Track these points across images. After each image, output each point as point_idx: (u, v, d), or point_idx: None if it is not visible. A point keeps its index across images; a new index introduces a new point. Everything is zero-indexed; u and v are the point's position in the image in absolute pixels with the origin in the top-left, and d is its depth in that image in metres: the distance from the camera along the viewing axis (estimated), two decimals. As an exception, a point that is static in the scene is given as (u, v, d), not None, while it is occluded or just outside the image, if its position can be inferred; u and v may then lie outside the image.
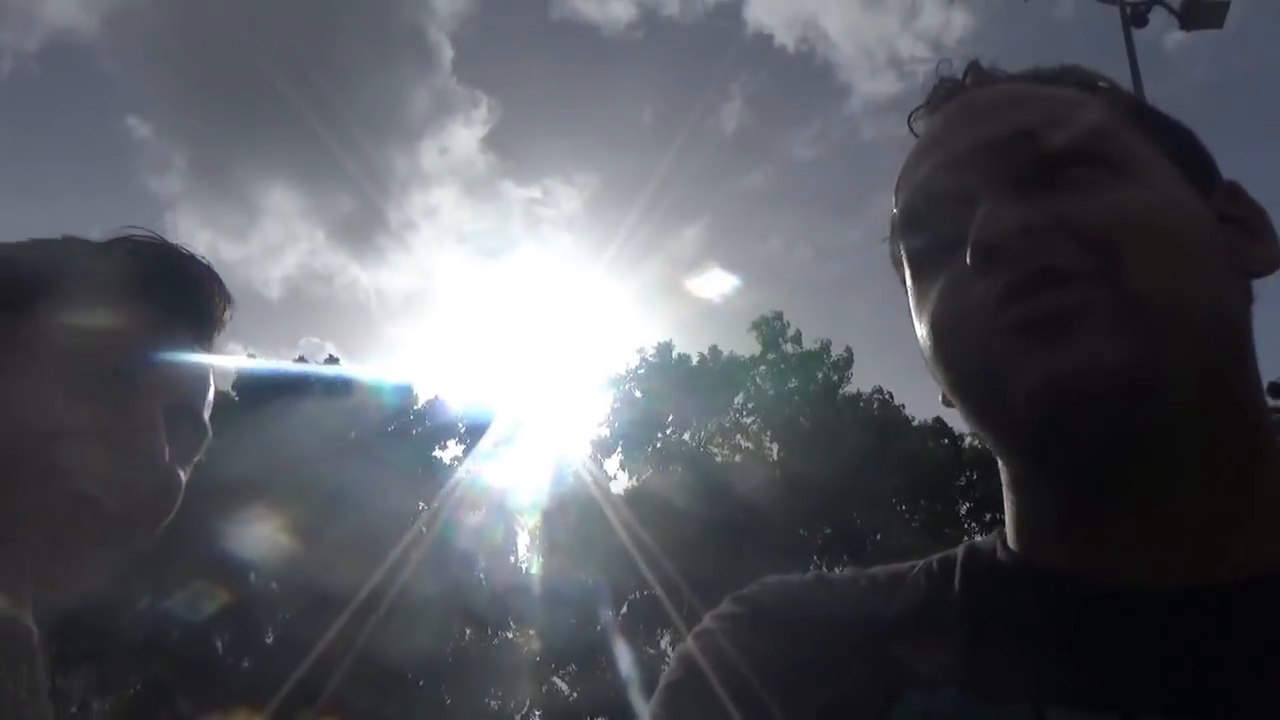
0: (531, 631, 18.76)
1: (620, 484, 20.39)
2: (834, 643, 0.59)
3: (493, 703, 18.94)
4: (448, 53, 36.20)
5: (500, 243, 34.91)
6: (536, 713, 19.33)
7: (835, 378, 20.89)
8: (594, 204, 36.55)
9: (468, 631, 18.62)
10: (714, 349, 21.62)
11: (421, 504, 18.08)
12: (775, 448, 20.35)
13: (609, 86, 43.08)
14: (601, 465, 20.69)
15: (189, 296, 0.82)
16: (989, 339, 0.56)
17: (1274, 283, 0.63)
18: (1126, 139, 0.61)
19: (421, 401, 21.09)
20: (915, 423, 20.28)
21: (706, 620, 0.65)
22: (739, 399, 21.12)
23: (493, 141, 39.76)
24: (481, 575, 18.74)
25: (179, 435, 0.77)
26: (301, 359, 22.28)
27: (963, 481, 19.34)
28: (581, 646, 17.36)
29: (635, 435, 20.52)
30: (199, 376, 0.81)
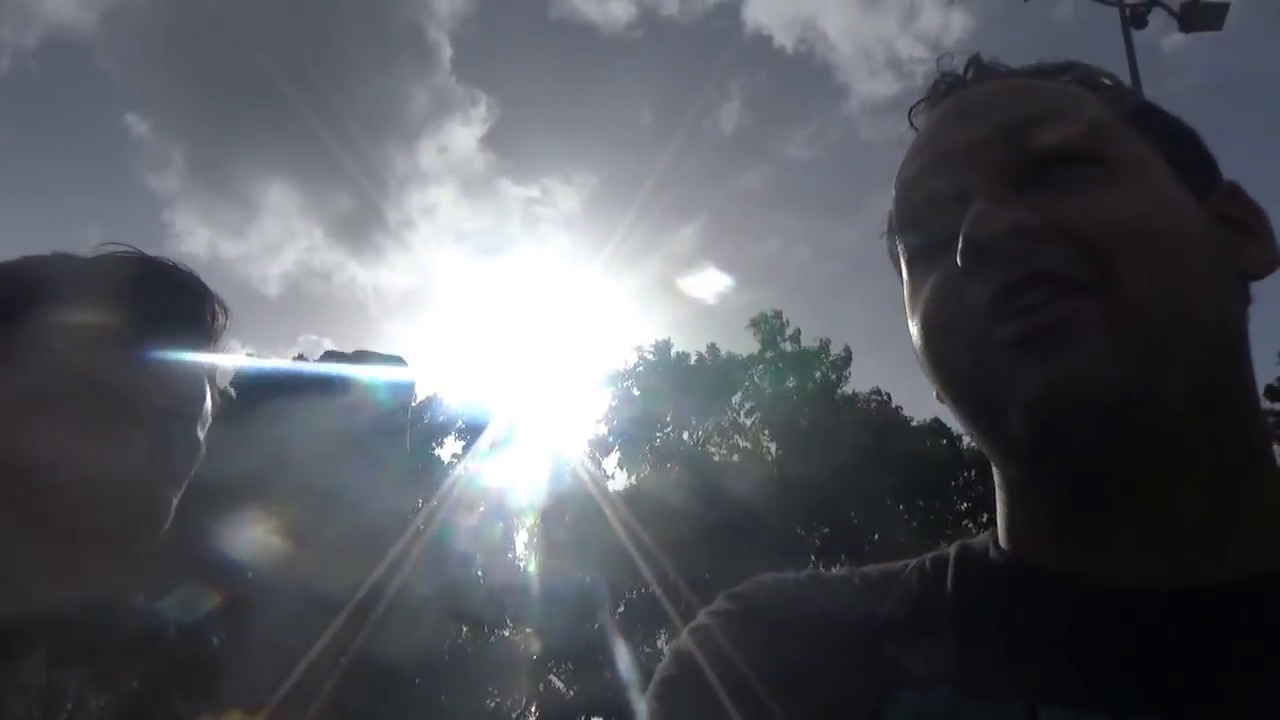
0: (529, 630, 18.74)
1: (618, 483, 20.41)
2: (827, 641, 0.59)
3: (490, 701, 18.93)
4: (447, 51, 36.27)
5: (498, 241, 34.93)
6: (533, 711, 19.33)
7: (833, 377, 20.90)
8: (592, 203, 36.60)
9: (465, 630, 18.61)
10: (712, 347, 21.64)
11: (419, 502, 18.07)
12: (773, 447, 20.35)
13: (608, 86, 43.12)
14: (599, 464, 20.70)
15: (175, 307, 0.81)
16: (981, 344, 0.56)
17: (1273, 283, 0.63)
18: (1124, 138, 0.60)
19: (419, 399, 21.09)
20: (914, 422, 20.29)
21: (701, 616, 0.65)
22: (737, 398, 21.13)
23: (491, 140, 39.79)
24: (479, 573, 18.73)
25: (170, 447, 0.76)
26: (301, 356, 22.26)
27: (961, 481, 19.35)
28: (579, 645, 17.36)
29: (633, 434, 20.51)
30: (189, 389, 0.80)
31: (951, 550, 0.65)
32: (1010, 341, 0.54)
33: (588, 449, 20.82)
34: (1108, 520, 0.56)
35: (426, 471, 19.48)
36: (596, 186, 38.46)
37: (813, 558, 18.87)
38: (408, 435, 19.97)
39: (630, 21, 38.20)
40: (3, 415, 0.69)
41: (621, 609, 18.09)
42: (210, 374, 0.82)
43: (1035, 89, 0.64)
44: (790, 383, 20.69)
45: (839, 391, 20.79)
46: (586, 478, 19.41)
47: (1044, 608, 0.57)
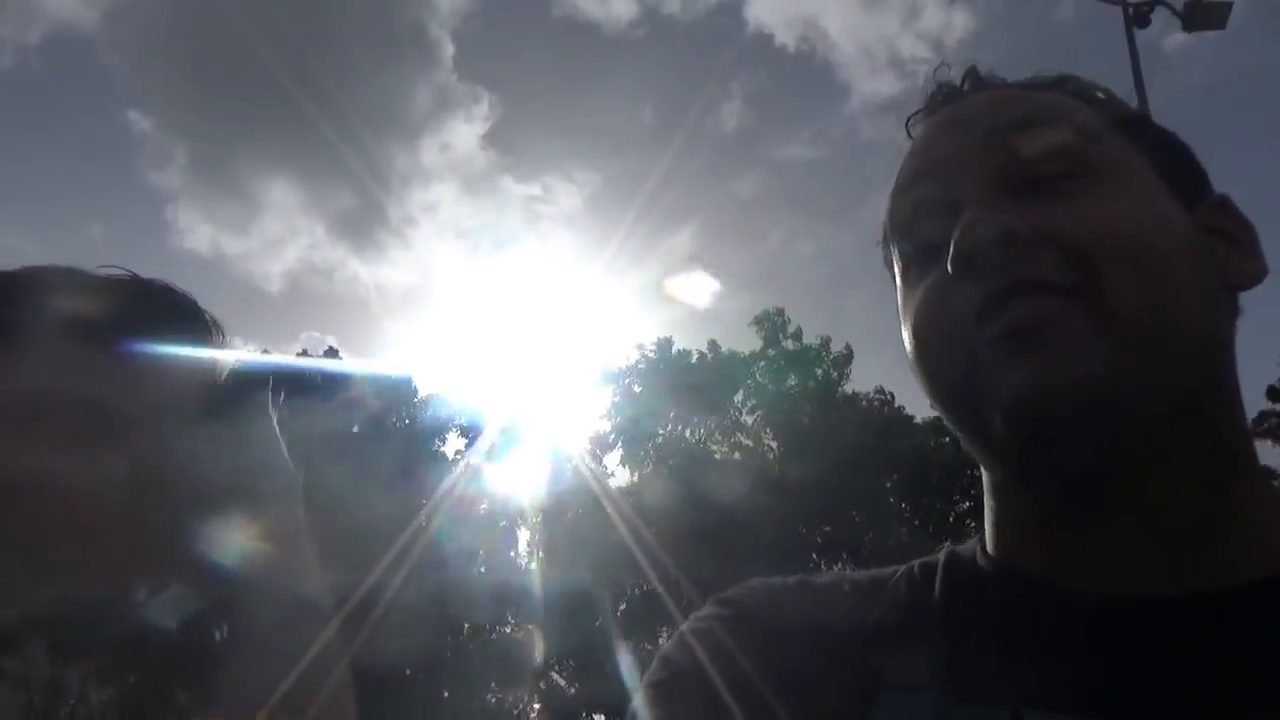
0: (530, 627, 18.78)
1: (620, 480, 20.43)
2: (816, 647, 0.60)
3: (491, 698, 18.97)
4: (449, 49, 36.21)
5: (500, 239, 34.90)
6: (535, 708, 19.36)
7: (835, 375, 20.90)
8: (593, 201, 36.54)
9: (466, 627, 18.64)
10: (713, 344, 21.64)
11: (420, 499, 18.10)
12: (775, 445, 20.36)
13: (609, 84, 43.09)
14: (601, 462, 20.72)
15: (167, 328, 0.80)
16: (967, 348, 0.56)
17: (1265, 292, 0.63)
18: (1114, 148, 0.61)
19: (421, 396, 21.12)
20: (916, 420, 20.29)
21: (690, 621, 0.66)
22: (739, 396, 21.14)
23: (493, 138, 39.70)
24: (481, 570, 18.77)
25: (158, 465, 0.75)
26: (304, 352, 22.29)
27: (964, 480, 19.36)
28: (580, 643, 17.39)
29: (635, 432, 20.53)
30: (178, 406, 0.79)
31: (940, 556, 0.66)
32: (992, 341, 0.55)
33: (589, 447, 20.86)
34: (1093, 525, 0.56)
35: (428, 468, 19.50)
36: (598, 185, 38.43)
37: (814, 556, 18.89)
38: (401, 435, 20.00)
39: (632, 20, 38.19)
40: None
41: (623, 607, 18.12)
42: (201, 386, 0.82)
43: (1029, 99, 0.65)
44: (792, 381, 20.70)
45: (840, 390, 20.80)
46: (588, 475, 19.44)
47: (1031, 613, 0.57)
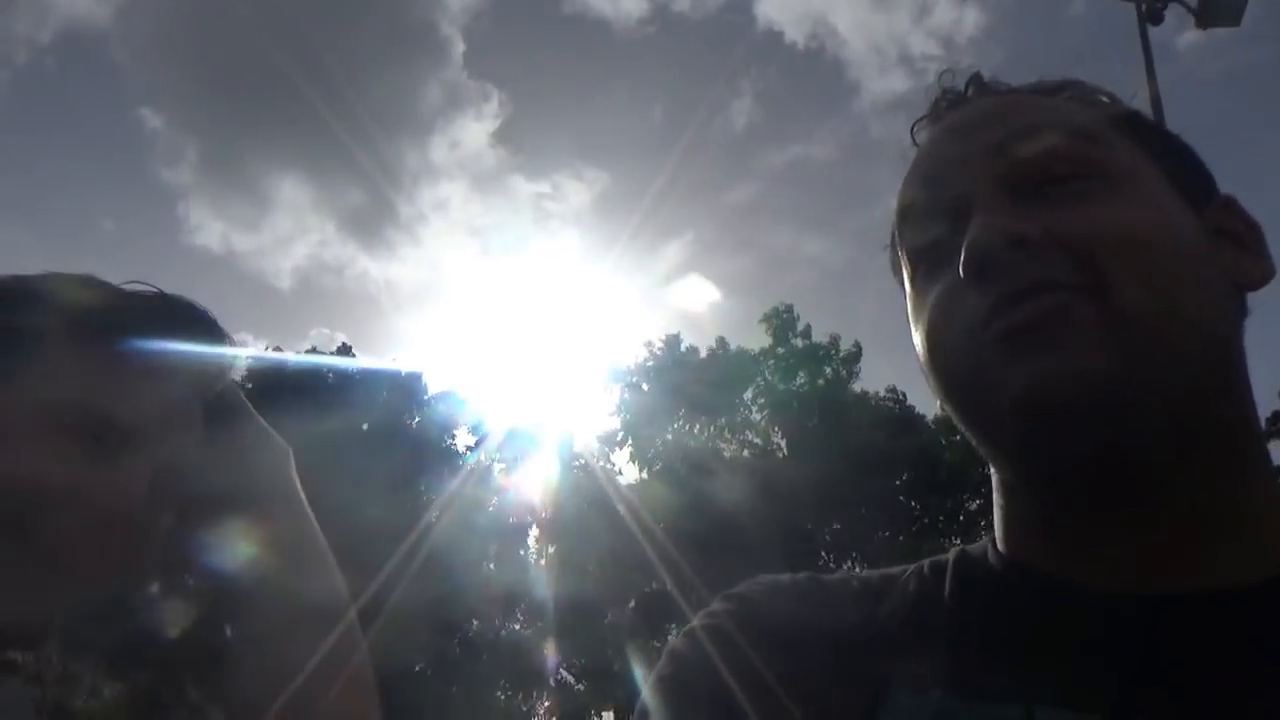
0: (540, 625, 18.81)
1: (629, 477, 20.44)
2: (824, 645, 0.60)
3: (501, 696, 19.02)
4: (459, 47, 36.30)
5: (509, 237, 34.88)
6: (544, 707, 19.40)
7: (844, 373, 20.87)
8: (602, 200, 36.65)
9: (475, 625, 18.69)
10: (721, 341, 21.62)
11: (429, 497, 18.14)
12: (783, 443, 20.34)
13: (619, 82, 43.13)
14: (610, 460, 20.73)
15: (182, 341, 0.81)
16: (977, 349, 0.56)
17: (1277, 292, 0.63)
18: (1121, 151, 0.61)
19: (430, 394, 21.17)
20: (925, 419, 20.24)
21: (698, 617, 0.66)
22: (748, 394, 21.12)
23: (503, 136, 39.88)
24: (490, 568, 18.81)
25: (166, 475, 0.76)
26: (313, 349, 22.36)
27: (974, 478, 19.31)
28: (589, 641, 17.42)
29: (644, 429, 20.53)
30: (188, 419, 0.80)
31: (950, 555, 0.66)
32: (999, 338, 0.55)
33: (598, 445, 20.89)
34: (1103, 523, 0.56)
35: (438, 464, 19.55)
36: (607, 183, 38.41)
37: (823, 555, 18.87)
38: (411, 433, 20.04)
39: (642, 18, 38.16)
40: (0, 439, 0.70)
41: (632, 605, 18.13)
42: (208, 396, 0.83)
43: (1035, 104, 0.65)
44: (800, 379, 20.67)
45: (850, 388, 20.77)
46: (597, 473, 19.45)
47: (1042, 611, 0.57)
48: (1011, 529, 0.62)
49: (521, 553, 20.08)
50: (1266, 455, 0.59)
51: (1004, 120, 0.63)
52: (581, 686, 18.67)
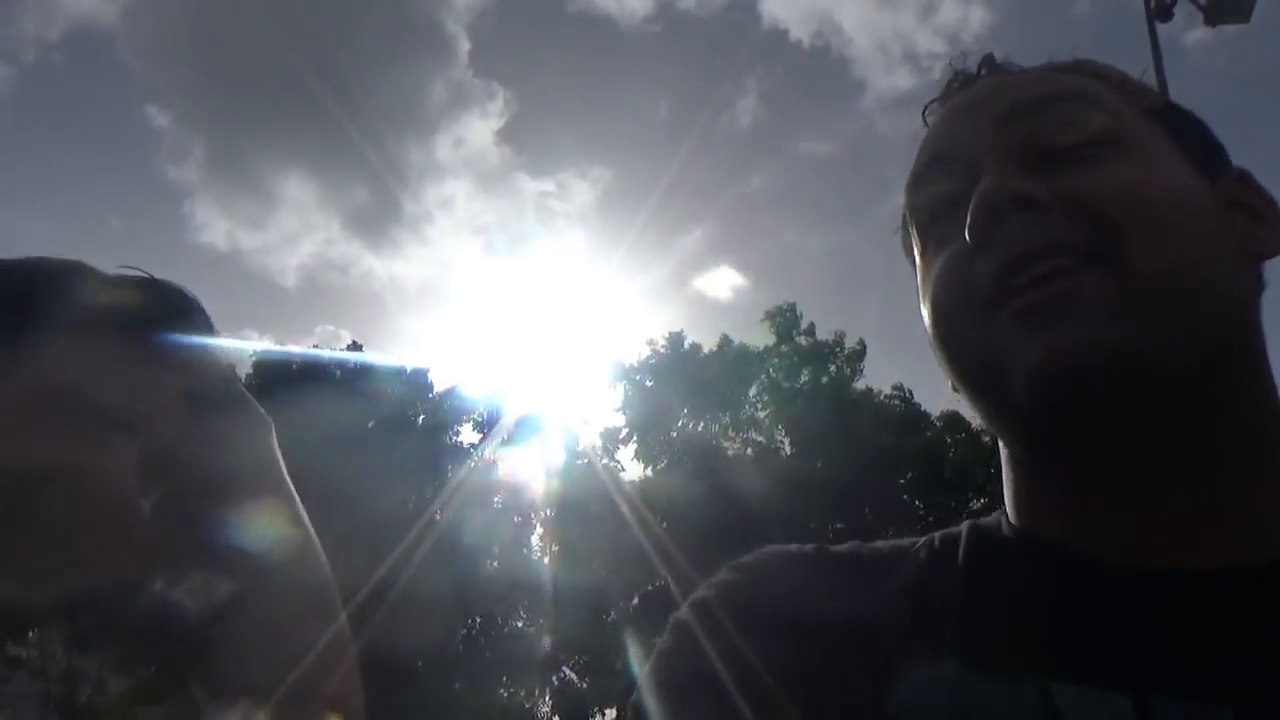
0: (542, 622, 18.82)
1: (633, 475, 20.44)
2: (833, 616, 0.59)
3: (503, 692, 19.04)
4: (464, 45, 36.26)
5: (513, 235, 34.88)
6: (546, 703, 19.42)
7: (848, 371, 20.83)
8: (607, 198, 36.58)
9: (478, 621, 18.71)
10: (725, 338, 21.59)
11: (433, 493, 18.15)
12: (787, 442, 20.32)
13: (624, 80, 43.04)
14: (614, 456, 20.73)
15: (174, 327, 0.81)
16: (988, 316, 0.56)
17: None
18: (1133, 122, 0.61)
19: (435, 390, 21.18)
20: (931, 417, 20.20)
21: (702, 589, 0.65)
22: (752, 391, 21.09)
23: (507, 134, 39.79)
24: (493, 565, 18.82)
25: (161, 460, 0.76)
26: (317, 346, 22.37)
27: (979, 478, 19.26)
28: (592, 638, 17.42)
29: (648, 426, 20.52)
30: (180, 405, 0.80)
31: (963, 527, 0.65)
32: (1015, 312, 0.54)
33: (602, 441, 20.88)
34: (1119, 497, 0.56)
35: (441, 462, 19.57)
36: (611, 181, 38.37)
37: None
38: (416, 429, 20.05)
39: (647, 16, 38.11)
40: None
41: (635, 602, 18.14)
42: (204, 384, 0.83)
43: (1046, 79, 0.65)
44: (805, 376, 20.63)
45: (854, 386, 20.73)
46: (601, 470, 19.46)
47: (1057, 586, 0.56)
48: (1024, 503, 0.61)
49: (525, 549, 20.09)
50: None
51: (1012, 93, 0.63)
52: (585, 685, 18.68)
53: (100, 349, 0.76)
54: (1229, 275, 0.57)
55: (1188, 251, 0.55)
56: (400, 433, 18.74)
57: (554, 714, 19.33)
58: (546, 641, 18.50)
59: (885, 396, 20.74)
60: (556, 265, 33.35)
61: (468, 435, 21.15)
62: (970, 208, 0.57)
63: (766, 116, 36.11)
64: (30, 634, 0.73)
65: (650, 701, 0.60)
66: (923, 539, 0.65)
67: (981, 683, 0.52)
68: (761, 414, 21.04)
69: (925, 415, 20.30)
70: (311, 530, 0.84)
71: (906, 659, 0.54)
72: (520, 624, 19.52)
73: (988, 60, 0.68)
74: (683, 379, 20.49)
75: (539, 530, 20.27)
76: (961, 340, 0.59)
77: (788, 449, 20.18)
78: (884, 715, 0.52)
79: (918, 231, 0.65)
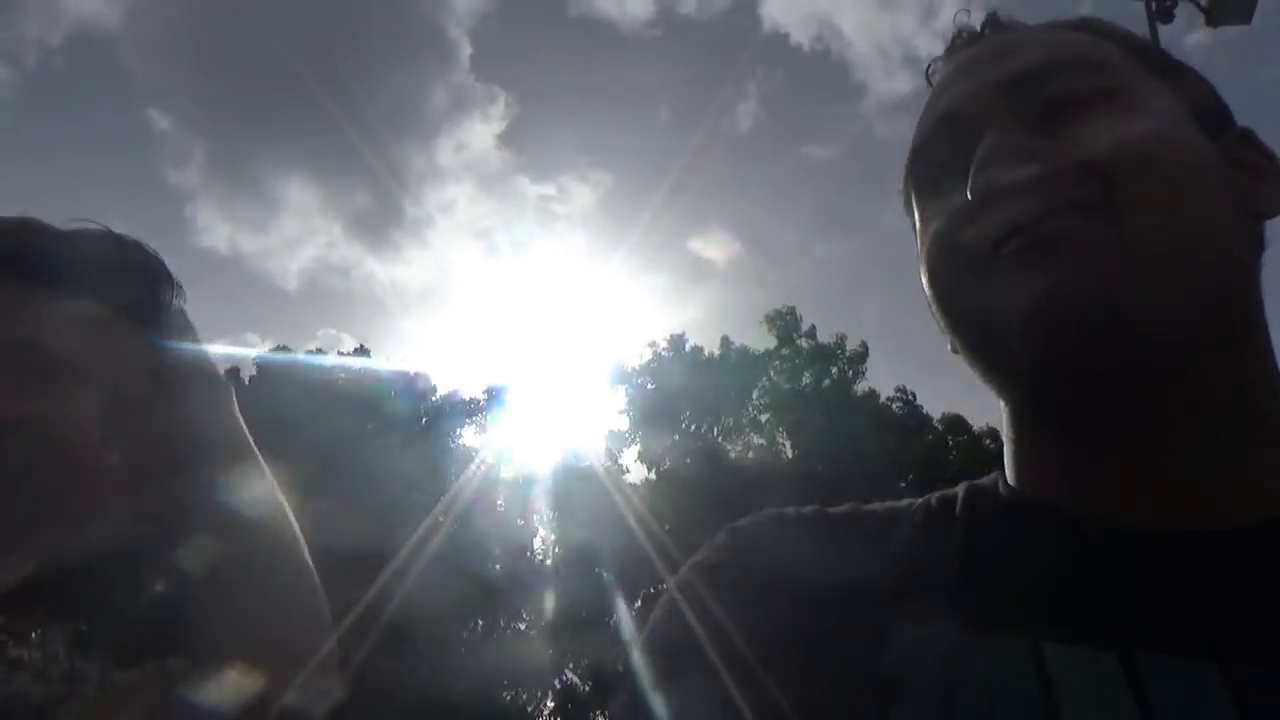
0: (544, 625, 18.80)
1: (635, 477, 20.42)
2: (829, 580, 0.59)
3: (506, 696, 19.02)
4: (466, 49, 36.37)
5: (514, 239, 34.98)
6: (549, 706, 19.39)
7: (850, 373, 20.83)
8: (607, 201, 36.62)
9: (480, 625, 18.70)
10: (725, 339, 21.59)
11: (435, 497, 18.15)
12: (788, 445, 20.31)
13: (625, 84, 43.05)
14: (616, 459, 20.73)
15: (137, 286, 0.80)
16: (986, 274, 0.55)
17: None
18: (1137, 80, 0.61)
19: (437, 394, 21.18)
20: (933, 420, 20.18)
21: (699, 553, 0.65)
22: (756, 394, 21.08)
23: (508, 138, 39.90)
24: (496, 567, 18.81)
25: (119, 412, 0.75)
26: (319, 350, 22.40)
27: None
28: (595, 641, 17.40)
29: (650, 428, 20.52)
30: (139, 359, 0.79)
31: (960, 489, 0.64)
32: (1011, 256, 0.54)
33: (605, 444, 20.88)
34: (1113, 454, 0.55)
35: (444, 464, 19.56)
36: (612, 185, 38.40)
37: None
38: (417, 433, 20.06)
39: (648, 20, 38.24)
40: None
41: (638, 605, 18.12)
42: (164, 346, 0.81)
43: (1051, 36, 0.64)
44: (806, 378, 20.62)
45: (856, 387, 20.72)
46: (603, 473, 19.46)
47: (1052, 544, 0.56)
48: (1021, 463, 0.61)
49: (528, 552, 20.08)
50: None
51: (1017, 52, 0.62)
52: (587, 689, 18.66)
53: (56, 302, 0.75)
54: (1229, 232, 0.57)
55: (1188, 207, 0.54)
56: (402, 436, 18.74)
57: (557, 717, 19.31)
58: (549, 646, 18.47)
59: (887, 399, 20.74)
60: (557, 268, 33.41)
61: (470, 438, 21.19)
62: (973, 166, 0.56)
63: (767, 120, 36.22)
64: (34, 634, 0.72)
65: (644, 665, 0.59)
66: (920, 500, 0.65)
67: (974, 643, 0.51)
68: (763, 417, 21.03)
69: (927, 418, 20.31)
70: (279, 491, 0.83)
71: (901, 620, 0.54)
72: (523, 627, 19.50)
73: (992, 19, 0.68)
74: (684, 381, 20.49)
75: (541, 533, 20.28)
76: (959, 296, 0.59)
77: (789, 452, 20.16)
78: (878, 678, 0.52)
79: (920, 191, 0.65)
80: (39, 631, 0.72)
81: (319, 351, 22.27)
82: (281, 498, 0.83)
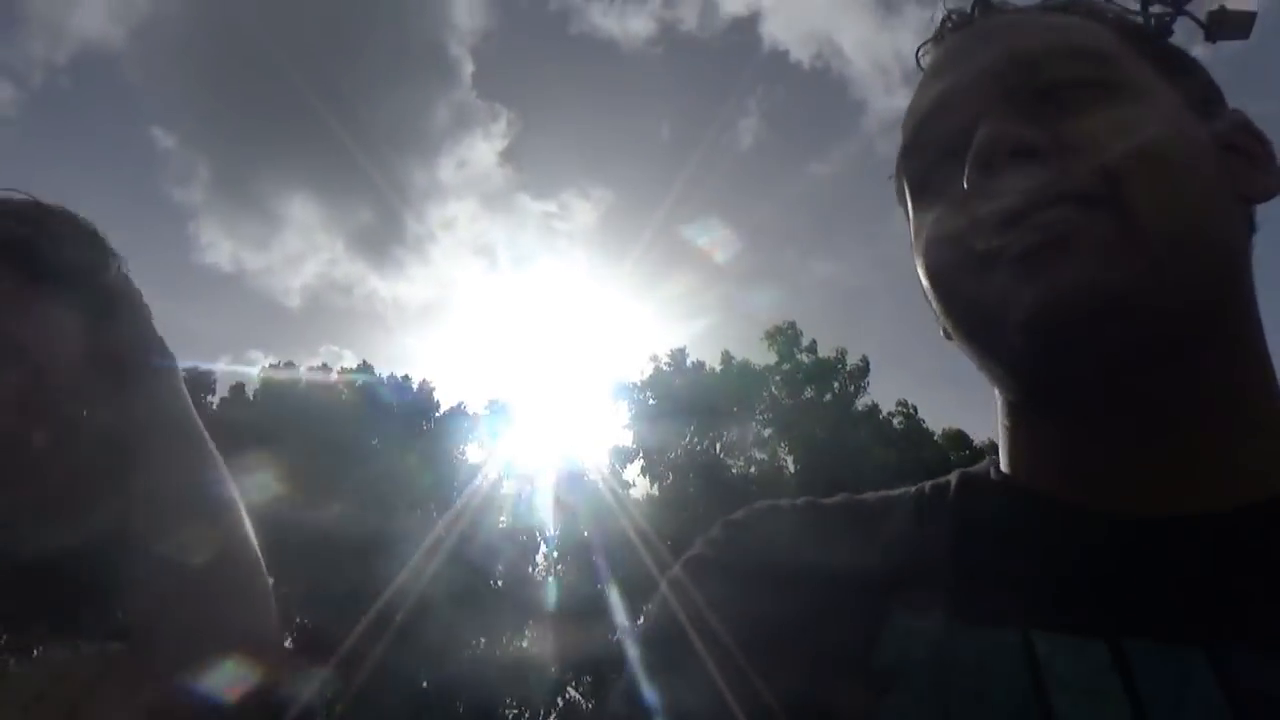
0: (548, 640, 18.71)
1: (638, 493, 20.37)
2: (823, 570, 0.59)
3: (508, 712, 18.91)
4: (468, 67, 36.53)
5: (516, 255, 35.01)
6: (551, 723, 19.26)
7: (851, 388, 20.80)
8: (609, 218, 36.70)
9: (483, 640, 18.61)
10: (726, 354, 21.57)
11: (438, 512, 18.10)
12: (790, 460, 20.26)
13: (627, 101, 43.24)
14: (619, 475, 20.67)
15: (68, 260, 0.77)
16: (985, 261, 0.55)
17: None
18: (1130, 64, 0.60)
19: (440, 410, 21.16)
20: (934, 434, 20.14)
21: (695, 546, 0.65)
22: (756, 408, 21.04)
23: (510, 155, 39.96)
24: (498, 584, 18.74)
25: (37, 389, 0.72)
26: (324, 366, 22.41)
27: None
28: (597, 657, 17.31)
29: (652, 444, 20.48)
30: (85, 347, 0.76)
31: (952, 477, 0.64)
32: (1013, 256, 0.54)
33: (607, 460, 20.84)
34: (1107, 443, 0.56)
35: (446, 481, 19.52)
36: (613, 202, 38.55)
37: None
38: (420, 449, 20.03)
39: (649, 37, 38.35)
40: None
41: (640, 621, 18.03)
42: (95, 307, 0.78)
43: (1043, 20, 0.64)
44: (808, 393, 20.60)
45: (858, 402, 20.70)
46: (605, 489, 19.41)
47: (1044, 533, 0.56)
48: (1016, 452, 0.61)
49: (530, 568, 20.00)
50: (1273, 376, 0.58)
51: (1009, 38, 0.62)
52: (590, 705, 18.54)
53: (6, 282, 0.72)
54: (1225, 219, 0.57)
55: (1188, 196, 0.54)
56: (405, 452, 18.71)
57: (559, 734, 19.18)
58: (552, 661, 18.38)
59: (888, 414, 20.71)
60: (559, 285, 33.45)
61: (472, 454, 21.16)
62: (969, 156, 0.56)
63: (768, 137, 36.31)
64: None
65: (638, 657, 0.60)
66: (912, 489, 0.65)
67: (965, 632, 0.51)
68: (765, 431, 20.99)
69: (928, 433, 20.25)
70: (224, 469, 0.80)
71: (894, 610, 0.54)
72: (525, 643, 19.41)
73: (982, 1, 0.67)
74: (686, 396, 20.46)
75: (543, 549, 20.21)
76: (958, 288, 0.58)
77: (791, 466, 20.11)
78: (870, 670, 0.52)
79: (914, 180, 0.64)
80: None
81: (323, 368, 22.27)
82: (228, 481, 0.80)
